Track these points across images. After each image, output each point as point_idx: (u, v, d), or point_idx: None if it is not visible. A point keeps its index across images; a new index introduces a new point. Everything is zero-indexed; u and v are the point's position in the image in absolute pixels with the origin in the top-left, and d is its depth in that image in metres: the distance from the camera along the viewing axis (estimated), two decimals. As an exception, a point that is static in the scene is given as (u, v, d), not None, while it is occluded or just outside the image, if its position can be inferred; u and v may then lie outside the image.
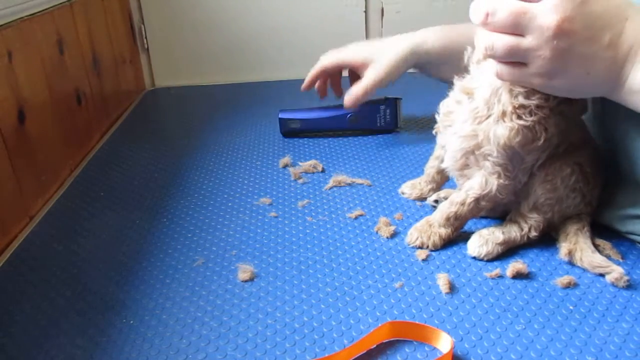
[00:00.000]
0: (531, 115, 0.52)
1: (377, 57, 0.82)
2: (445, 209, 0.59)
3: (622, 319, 0.48)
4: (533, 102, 0.52)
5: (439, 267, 0.57)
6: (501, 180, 0.56)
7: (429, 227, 0.60)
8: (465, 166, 0.59)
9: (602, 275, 0.54)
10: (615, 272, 0.52)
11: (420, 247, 0.59)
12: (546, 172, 0.56)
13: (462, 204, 0.58)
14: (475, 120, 0.56)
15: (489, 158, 0.55)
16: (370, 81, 0.81)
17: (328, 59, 0.89)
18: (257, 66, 1.31)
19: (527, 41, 0.47)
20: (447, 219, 0.59)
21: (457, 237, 0.61)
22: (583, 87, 0.49)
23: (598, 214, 0.60)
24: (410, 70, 0.85)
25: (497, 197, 0.57)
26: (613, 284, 0.52)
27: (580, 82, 0.48)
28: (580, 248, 0.55)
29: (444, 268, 0.56)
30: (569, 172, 0.56)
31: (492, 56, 0.50)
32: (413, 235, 0.60)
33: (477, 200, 0.57)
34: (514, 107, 0.52)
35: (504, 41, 0.48)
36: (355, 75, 0.87)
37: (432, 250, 0.59)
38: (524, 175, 0.57)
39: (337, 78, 0.93)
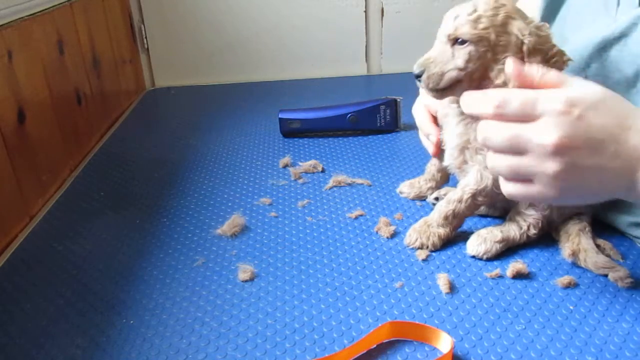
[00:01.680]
0: None
1: None
2: (443, 208, 0.59)
3: (622, 319, 0.48)
4: None
5: (439, 267, 0.57)
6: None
7: (428, 228, 0.60)
8: (464, 163, 0.59)
9: (604, 275, 0.54)
10: (621, 271, 0.52)
11: (420, 248, 0.59)
12: None
13: (460, 201, 0.58)
14: (465, 120, 0.57)
15: (480, 152, 0.56)
16: None
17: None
18: (257, 66, 1.31)
19: (527, 160, 0.45)
20: (445, 217, 0.59)
21: (457, 237, 0.61)
22: (598, 195, 0.47)
23: (609, 218, 0.59)
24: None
25: (494, 192, 0.57)
26: (615, 282, 0.52)
27: (594, 192, 0.46)
28: (583, 249, 0.55)
29: (444, 268, 0.56)
30: None
31: (498, 174, 0.49)
32: (412, 237, 0.60)
33: (474, 196, 0.58)
34: None
35: (507, 163, 0.47)
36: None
37: (432, 251, 0.59)
38: None
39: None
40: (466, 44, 0.52)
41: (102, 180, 0.81)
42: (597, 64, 0.57)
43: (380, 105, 0.90)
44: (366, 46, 1.31)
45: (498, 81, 0.53)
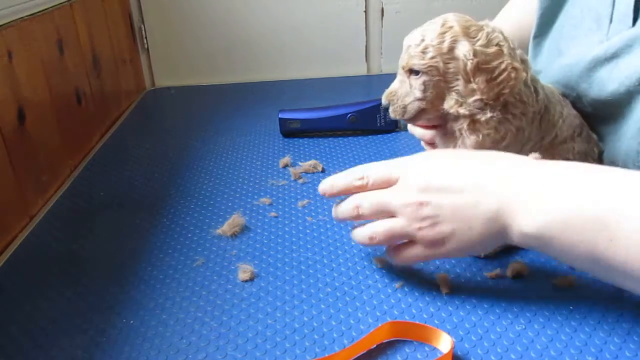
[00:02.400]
0: (488, 124, 0.53)
1: None
2: None
3: (622, 319, 0.48)
4: (482, 117, 0.53)
5: (439, 267, 0.57)
6: None
7: None
8: None
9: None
10: None
11: None
12: None
13: None
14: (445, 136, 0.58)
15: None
16: None
17: None
18: (257, 66, 1.31)
19: (399, 221, 0.49)
20: None
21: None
22: (476, 244, 0.47)
23: None
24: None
25: None
26: None
27: (469, 240, 0.47)
28: None
29: (444, 268, 0.56)
30: None
31: (379, 243, 0.51)
32: None
33: None
34: (469, 125, 0.54)
35: (384, 228, 0.50)
36: None
37: None
38: None
39: None
40: (419, 74, 0.54)
41: (102, 180, 0.81)
42: (586, 84, 0.57)
43: (380, 105, 0.90)
44: (366, 46, 1.31)
45: (452, 110, 0.54)
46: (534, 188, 0.44)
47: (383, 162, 0.53)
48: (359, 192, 0.53)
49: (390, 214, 0.50)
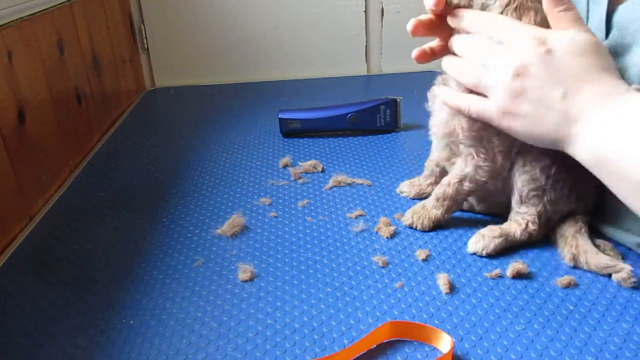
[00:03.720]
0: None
1: None
2: (436, 190, 0.63)
3: (622, 319, 0.48)
4: None
5: (439, 267, 0.57)
6: (475, 161, 0.58)
7: (422, 209, 0.63)
8: (453, 155, 0.61)
9: (604, 275, 0.54)
10: (624, 271, 0.52)
11: (410, 227, 0.63)
12: (524, 162, 0.57)
13: (448, 185, 0.61)
14: (451, 112, 0.59)
15: (461, 141, 0.58)
16: None
17: None
18: (257, 66, 1.31)
19: (489, 76, 0.52)
20: (437, 199, 0.62)
21: (458, 238, 0.61)
22: (536, 135, 0.51)
23: (617, 236, 0.59)
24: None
25: (478, 179, 0.59)
26: (619, 283, 0.52)
27: (532, 129, 0.50)
28: (583, 251, 0.55)
29: (444, 268, 0.56)
30: (548, 163, 0.56)
31: (463, 80, 0.55)
32: (407, 216, 0.64)
33: (460, 181, 0.60)
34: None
35: (475, 73, 0.53)
36: None
37: (421, 231, 0.62)
38: (505, 159, 0.58)
39: None
40: None
41: (102, 180, 0.81)
42: None
43: (380, 105, 0.90)
44: (366, 46, 1.31)
45: None
46: (608, 116, 0.46)
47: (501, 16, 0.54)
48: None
49: (489, 66, 0.52)
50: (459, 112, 0.57)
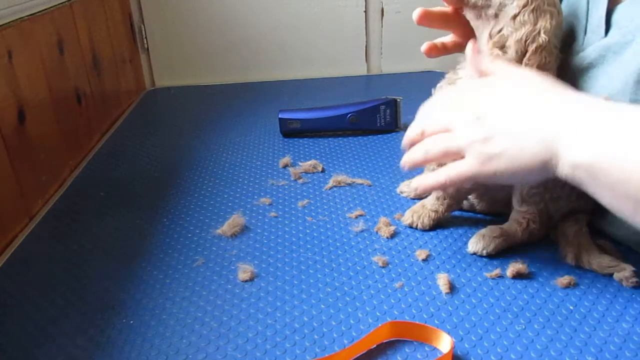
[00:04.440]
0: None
1: None
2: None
3: (622, 319, 0.48)
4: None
5: (439, 267, 0.57)
6: None
7: (422, 208, 0.63)
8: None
9: (604, 275, 0.54)
10: (627, 270, 0.52)
11: (410, 226, 0.63)
12: None
13: None
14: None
15: None
16: None
17: None
18: (257, 66, 1.31)
19: (454, 135, 0.51)
20: (437, 198, 0.62)
21: (458, 238, 0.61)
22: (524, 168, 0.47)
23: (618, 235, 0.59)
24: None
25: None
26: (620, 282, 0.52)
27: (519, 161, 0.47)
28: (585, 250, 0.55)
29: (444, 268, 0.56)
30: None
31: (433, 159, 0.54)
32: (406, 216, 0.64)
33: None
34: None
35: (439, 141, 0.52)
36: None
37: (421, 230, 0.62)
38: None
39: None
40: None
41: (102, 180, 0.81)
42: None
43: (380, 105, 0.90)
44: (366, 46, 1.31)
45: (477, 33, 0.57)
46: (593, 122, 0.43)
47: (439, 106, 0.55)
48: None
49: (449, 130, 0.51)
50: (442, 189, 0.56)
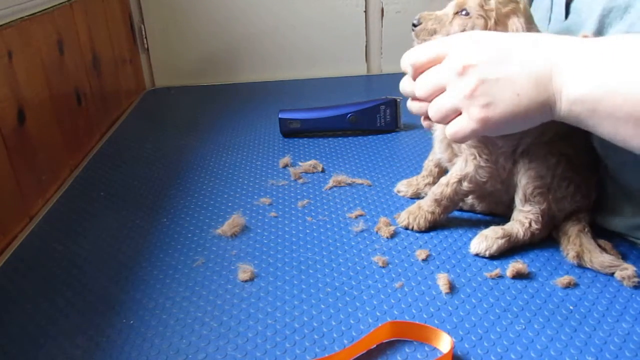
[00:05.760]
0: None
1: None
2: (433, 190, 0.62)
3: (622, 319, 0.48)
4: None
5: (439, 267, 0.57)
6: (477, 162, 0.58)
7: (419, 210, 0.63)
8: (454, 156, 0.61)
9: (604, 275, 0.54)
10: (629, 269, 0.52)
11: (406, 228, 0.63)
12: (530, 161, 0.57)
13: (447, 184, 0.61)
14: None
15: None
16: None
17: None
18: (257, 66, 1.31)
19: (447, 93, 0.49)
20: (434, 200, 0.62)
21: (458, 238, 0.61)
22: (522, 113, 0.46)
23: (611, 224, 0.59)
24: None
25: (478, 180, 0.59)
26: (621, 281, 0.52)
27: (517, 107, 0.46)
28: (587, 250, 0.55)
29: (444, 268, 0.56)
30: (554, 162, 0.56)
31: (435, 120, 0.52)
32: (402, 217, 0.64)
33: (459, 181, 0.60)
34: None
35: (434, 104, 0.51)
36: None
37: (416, 232, 0.62)
38: (506, 160, 0.58)
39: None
40: (467, 16, 0.55)
41: (102, 180, 0.81)
42: None
43: (380, 105, 0.90)
44: (366, 46, 1.31)
45: None
46: (585, 54, 0.44)
47: (428, 43, 0.53)
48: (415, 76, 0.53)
49: (442, 89, 0.50)
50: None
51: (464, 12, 0.55)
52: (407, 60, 0.53)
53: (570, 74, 0.44)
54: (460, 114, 0.49)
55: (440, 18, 0.57)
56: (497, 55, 0.47)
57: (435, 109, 0.51)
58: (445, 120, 0.51)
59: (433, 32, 0.57)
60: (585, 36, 0.48)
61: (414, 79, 0.53)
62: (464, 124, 0.49)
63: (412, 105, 0.56)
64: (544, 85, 0.45)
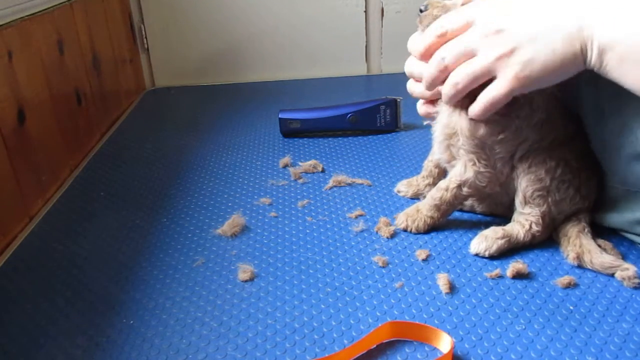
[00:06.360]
0: None
1: None
2: (432, 194, 0.62)
3: (622, 319, 0.48)
4: None
5: (439, 267, 0.57)
6: (476, 167, 0.58)
7: (417, 212, 0.63)
8: (452, 158, 0.61)
9: (604, 275, 0.54)
10: (630, 270, 0.52)
11: (405, 230, 0.62)
12: (529, 165, 0.57)
13: (446, 189, 0.60)
14: (451, 111, 0.58)
15: (462, 147, 0.58)
16: None
17: None
18: (257, 66, 1.31)
19: (479, 57, 0.50)
20: (434, 205, 0.62)
21: (458, 239, 0.61)
22: (557, 67, 0.48)
23: (609, 220, 0.59)
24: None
25: (478, 184, 0.59)
26: (622, 281, 0.52)
27: (552, 63, 0.47)
28: (587, 250, 0.55)
29: (444, 268, 0.56)
30: (553, 165, 0.56)
31: (464, 88, 0.52)
32: (400, 219, 0.63)
33: (459, 186, 0.60)
34: None
35: (465, 69, 0.51)
36: None
37: (415, 234, 0.62)
38: (504, 165, 0.58)
39: None
40: None
41: (102, 180, 0.81)
42: None
43: (380, 105, 0.90)
44: (366, 46, 1.31)
45: None
46: (611, 4, 0.45)
47: (450, 13, 0.53)
48: (440, 46, 0.53)
49: (472, 55, 0.50)
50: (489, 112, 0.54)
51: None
52: (433, 32, 0.53)
53: (598, 25, 0.45)
54: (490, 79, 0.50)
55: (447, 7, 0.57)
56: (526, 17, 0.48)
57: (464, 73, 0.51)
58: (474, 83, 0.51)
59: (436, 18, 0.57)
60: None
61: (426, 59, 0.53)
62: (500, 86, 0.50)
63: (414, 87, 0.56)
64: (576, 39, 0.46)
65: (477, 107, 0.52)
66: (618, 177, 0.56)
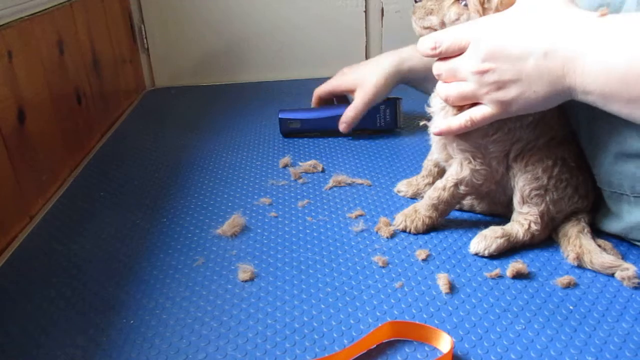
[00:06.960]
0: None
1: (364, 79, 0.86)
2: (430, 194, 0.62)
3: (622, 319, 0.48)
4: None
5: (439, 267, 0.57)
6: (472, 166, 0.58)
7: (415, 213, 0.63)
8: (450, 157, 0.61)
9: (604, 275, 0.54)
10: (630, 270, 0.52)
11: (403, 231, 0.62)
12: (525, 164, 0.57)
13: (443, 189, 0.61)
14: (444, 112, 0.59)
15: (457, 146, 0.59)
16: (360, 103, 0.86)
17: (321, 89, 0.94)
18: (257, 66, 1.31)
19: (469, 85, 0.54)
20: (432, 205, 0.62)
21: (458, 238, 0.61)
22: (540, 104, 0.52)
23: (607, 226, 0.59)
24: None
25: (474, 183, 0.59)
26: (622, 281, 0.52)
27: (535, 101, 0.51)
28: (587, 250, 0.55)
29: (444, 268, 0.56)
30: (550, 164, 0.57)
31: (453, 103, 0.57)
32: (398, 220, 0.63)
33: (456, 185, 0.60)
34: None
35: (456, 90, 0.55)
36: (341, 98, 0.95)
37: (413, 234, 0.62)
38: (499, 164, 0.58)
39: (332, 102, 0.97)
40: (466, 7, 0.55)
41: (102, 180, 0.81)
42: None
43: (380, 105, 0.90)
44: (366, 46, 1.31)
45: None
46: (596, 46, 0.47)
47: (452, 28, 0.56)
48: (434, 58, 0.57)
49: (462, 78, 0.54)
50: (465, 130, 0.57)
51: (463, 3, 0.56)
52: (427, 45, 0.56)
53: (581, 73, 0.48)
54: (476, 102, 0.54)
55: (440, 1, 0.58)
56: (516, 53, 0.50)
57: (455, 92, 0.55)
58: (462, 102, 0.56)
59: (429, 12, 0.58)
60: (604, 14, 0.48)
61: (435, 56, 0.56)
62: (484, 111, 0.54)
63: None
64: (560, 83, 0.49)
65: (456, 122, 0.56)
66: (605, 179, 0.56)
